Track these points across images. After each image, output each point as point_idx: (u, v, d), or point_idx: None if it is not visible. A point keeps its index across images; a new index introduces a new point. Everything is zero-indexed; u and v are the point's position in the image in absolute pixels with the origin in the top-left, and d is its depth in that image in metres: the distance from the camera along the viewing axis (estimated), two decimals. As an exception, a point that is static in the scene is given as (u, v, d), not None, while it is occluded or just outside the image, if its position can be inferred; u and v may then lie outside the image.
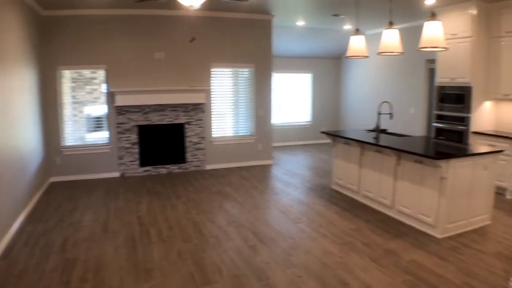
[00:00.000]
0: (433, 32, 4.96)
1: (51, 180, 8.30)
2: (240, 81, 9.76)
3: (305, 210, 6.44)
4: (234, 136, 9.85)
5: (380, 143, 6.24)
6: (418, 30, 5.20)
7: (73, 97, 8.51)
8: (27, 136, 6.72)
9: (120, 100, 8.36)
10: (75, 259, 4.70)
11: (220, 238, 5.31)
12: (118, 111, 8.53)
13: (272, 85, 9.95)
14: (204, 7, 8.08)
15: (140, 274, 4.31)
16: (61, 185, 8.04)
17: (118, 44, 8.46)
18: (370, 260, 4.59)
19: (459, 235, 5.30)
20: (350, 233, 5.44)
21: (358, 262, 4.55)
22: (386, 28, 5.70)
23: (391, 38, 5.70)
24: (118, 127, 8.58)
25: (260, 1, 7.92)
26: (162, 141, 9.09)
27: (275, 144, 12.05)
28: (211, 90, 9.36)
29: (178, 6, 6.74)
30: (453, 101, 7.84)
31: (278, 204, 6.77)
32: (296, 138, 13.21)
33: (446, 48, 5.14)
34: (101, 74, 8.50)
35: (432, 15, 4.96)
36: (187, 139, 9.20)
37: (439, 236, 5.23)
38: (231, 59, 9.43)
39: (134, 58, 8.57)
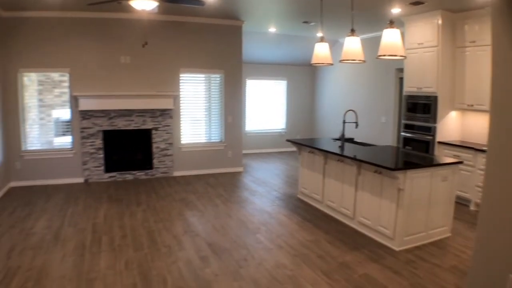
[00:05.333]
0: (391, 40, 4.87)
1: (10, 185, 8.07)
2: (210, 87, 9.62)
3: (266, 220, 6.31)
4: (203, 142, 9.70)
5: (343, 152, 6.15)
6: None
7: (40, 100, 8.31)
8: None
9: (84, 105, 8.18)
10: (18, 267, 4.52)
11: (172, 248, 5.16)
12: (82, 116, 8.33)
13: (243, 92, 9.84)
14: (170, 11, 8.01)
15: (81, 284, 4.15)
16: (20, 190, 7.83)
17: (82, 47, 8.27)
18: (322, 273, 4.47)
19: (417, 247, 5.19)
20: (307, 244, 5.31)
21: (309, 276, 4.42)
22: (348, 36, 5.61)
23: (353, 46, 5.60)
24: (82, 131, 8.38)
25: (229, 6, 7.82)
26: (129, 147, 8.92)
27: (248, 151, 11.97)
28: (180, 95, 9.21)
29: (137, 10, 6.58)
30: (420, 110, 7.80)
31: (240, 213, 6.63)
32: (270, 146, 13.10)
33: (404, 57, 5.05)
34: (68, 77, 8.29)
35: (391, 22, 4.87)
36: (154, 145, 9.02)
37: (396, 248, 5.13)
38: (200, 65, 9.29)
39: (99, 61, 8.40)
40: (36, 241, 5.32)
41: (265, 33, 10.63)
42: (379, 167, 5.25)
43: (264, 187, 8.42)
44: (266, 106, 13.05)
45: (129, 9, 7.02)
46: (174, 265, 4.64)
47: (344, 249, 5.18)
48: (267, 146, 13.04)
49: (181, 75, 9.17)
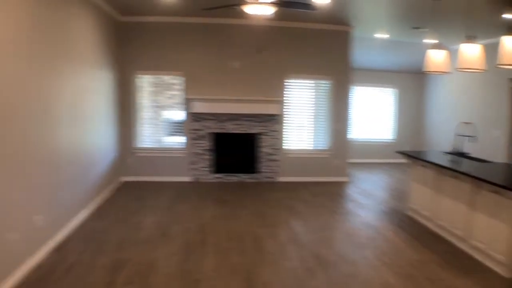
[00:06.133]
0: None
1: (123, 179, 8.54)
2: (316, 94, 9.53)
3: (373, 235, 6.04)
4: (308, 149, 9.64)
5: (457, 168, 5.75)
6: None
7: (153, 101, 8.75)
8: (98, 135, 6.97)
9: (196, 107, 8.50)
10: (127, 260, 4.71)
11: (277, 256, 5.10)
12: (193, 118, 8.66)
13: (350, 99, 9.60)
14: (278, 17, 8.00)
15: (187, 284, 4.21)
16: (132, 185, 8.24)
17: (195, 51, 8.62)
18: (433, 297, 4.20)
19: (532, 278, 4.72)
20: (415, 264, 5.00)
21: (418, 298, 4.17)
22: (465, 42, 5.25)
23: (470, 53, 5.23)
24: (193, 133, 8.69)
25: (339, 12, 7.70)
26: (236, 150, 9.14)
27: (353, 161, 11.62)
28: (285, 101, 9.22)
29: (251, 16, 6.64)
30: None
31: (346, 226, 6.44)
32: (377, 156, 12.62)
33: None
34: (181, 80, 8.65)
35: (510, 28, 4.48)
36: (261, 150, 9.10)
37: (510, 277, 4.69)
38: (306, 71, 9.24)
39: (210, 66, 8.69)
40: (144, 236, 5.54)
41: (372, 38, 10.26)
42: (500, 187, 4.84)
43: (370, 199, 8.13)
44: (374, 114, 12.67)
45: (242, 14, 7.12)
46: (279, 274, 4.57)
47: (454, 272, 4.81)
48: (373, 156, 12.59)
49: (287, 81, 9.18)
